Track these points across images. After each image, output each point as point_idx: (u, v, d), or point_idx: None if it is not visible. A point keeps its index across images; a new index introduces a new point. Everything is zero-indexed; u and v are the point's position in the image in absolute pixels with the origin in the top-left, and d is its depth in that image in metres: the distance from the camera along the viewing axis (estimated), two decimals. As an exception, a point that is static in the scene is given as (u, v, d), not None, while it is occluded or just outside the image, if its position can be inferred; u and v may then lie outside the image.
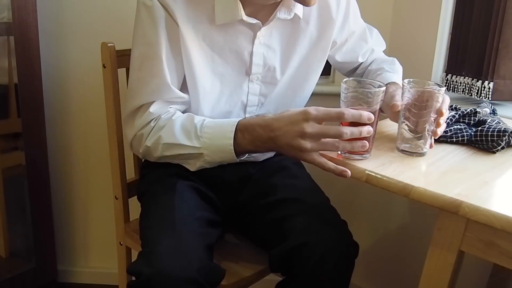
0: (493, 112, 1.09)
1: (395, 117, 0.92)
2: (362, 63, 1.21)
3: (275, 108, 1.09)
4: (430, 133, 0.86)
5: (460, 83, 1.29)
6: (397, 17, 1.40)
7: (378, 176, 0.78)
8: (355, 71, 1.23)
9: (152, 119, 0.96)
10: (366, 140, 0.82)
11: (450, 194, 0.71)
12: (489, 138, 0.90)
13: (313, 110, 0.82)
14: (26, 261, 1.50)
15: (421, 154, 0.87)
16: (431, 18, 1.31)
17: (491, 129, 0.90)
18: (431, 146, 0.88)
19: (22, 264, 1.49)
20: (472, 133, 0.92)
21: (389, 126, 1.02)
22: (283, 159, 1.16)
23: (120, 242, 1.20)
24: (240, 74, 1.02)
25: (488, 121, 0.96)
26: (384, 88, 0.83)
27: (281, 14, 0.97)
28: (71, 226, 1.64)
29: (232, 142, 0.89)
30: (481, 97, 1.24)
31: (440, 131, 0.88)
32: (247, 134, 0.89)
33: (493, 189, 0.76)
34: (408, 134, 0.86)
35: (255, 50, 1.00)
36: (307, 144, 0.82)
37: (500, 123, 0.96)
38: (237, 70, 1.01)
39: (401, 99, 0.87)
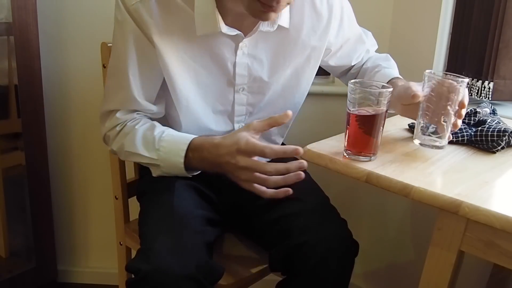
0: (493, 112, 1.09)
1: (408, 111, 0.92)
2: (355, 64, 1.21)
3: (266, 116, 1.07)
4: (449, 126, 0.86)
5: (460, 83, 1.29)
6: (397, 17, 1.40)
7: (378, 176, 0.78)
8: (349, 71, 1.23)
9: (118, 124, 1.00)
10: (303, 169, 0.87)
11: (450, 194, 0.71)
12: (489, 138, 0.90)
13: (243, 144, 0.87)
14: (26, 261, 1.50)
15: (440, 147, 0.87)
16: (431, 18, 1.31)
17: (491, 129, 0.90)
18: (448, 138, 0.88)
19: (22, 264, 1.49)
20: (472, 133, 0.92)
21: (389, 126, 1.02)
22: (282, 159, 1.15)
23: (120, 242, 1.20)
24: (224, 84, 1.02)
25: (488, 121, 0.96)
26: (391, 89, 0.82)
27: (264, 26, 0.96)
28: (71, 226, 1.64)
29: (182, 160, 0.93)
30: (481, 97, 1.25)
31: (460, 123, 0.88)
32: (197, 154, 0.93)
33: (493, 189, 0.76)
34: (427, 127, 0.86)
35: (238, 61, 0.99)
36: (242, 175, 0.89)
37: (500, 123, 0.96)
38: (221, 80, 1.01)
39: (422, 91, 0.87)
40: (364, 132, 0.82)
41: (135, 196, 1.17)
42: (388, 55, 1.22)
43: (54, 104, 1.50)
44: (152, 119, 1.04)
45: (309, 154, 0.86)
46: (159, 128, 0.98)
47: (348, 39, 1.14)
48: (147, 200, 1.04)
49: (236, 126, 1.08)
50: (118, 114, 1.00)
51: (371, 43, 1.22)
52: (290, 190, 0.90)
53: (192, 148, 0.93)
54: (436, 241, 0.76)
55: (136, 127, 0.98)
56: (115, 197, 1.19)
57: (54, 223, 1.53)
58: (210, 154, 0.91)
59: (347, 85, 0.90)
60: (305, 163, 0.87)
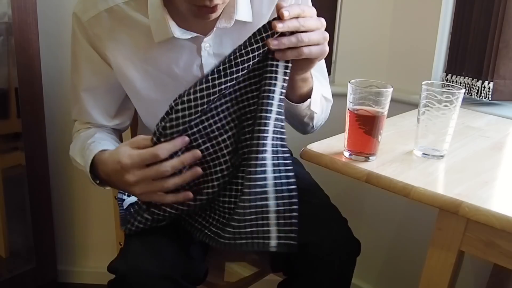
0: None
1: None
2: None
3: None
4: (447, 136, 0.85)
5: (460, 83, 1.29)
6: (397, 17, 1.40)
7: (378, 176, 0.78)
8: None
9: (75, 132, 1.02)
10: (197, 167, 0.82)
11: (450, 194, 0.71)
12: None
13: (126, 159, 0.79)
14: (26, 261, 1.49)
15: (441, 157, 0.86)
16: (431, 18, 1.31)
17: None
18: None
19: (22, 264, 1.49)
20: None
21: (389, 126, 1.02)
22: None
23: (120, 242, 1.20)
24: None
25: None
26: (391, 89, 0.82)
27: (221, 23, 0.91)
28: (71, 226, 1.64)
29: (89, 175, 0.90)
30: (481, 97, 1.25)
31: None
32: (103, 168, 0.87)
33: (493, 189, 0.76)
34: (425, 137, 0.86)
35: (205, 62, 0.95)
36: (137, 190, 0.81)
37: None
38: (190, 85, 0.98)
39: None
40: (365, 132, 0.82)
41: (135, 196, 1.17)
42: None
43: (54, 104, 1.50)
44: (117, 130, 1.04)
45: (309, 154, 0.86)
46: (95, 136, 0.96)
47: None
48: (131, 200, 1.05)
49: None
50: (76, 123, 1.02)
51: None
52: (190, 194, 0.83)
53: (99, 162, 0.88)
54: (436, 241, 0.76)
55: (81, 134, 0.99)
56: (115, 197, 1.19)
57: (54, 223, 1.53)
58: (102, 172, 0.87)
59: None
60: (198, 152, 0.81)
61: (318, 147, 0.88)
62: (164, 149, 0.78)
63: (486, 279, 1.26)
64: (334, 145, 0.89)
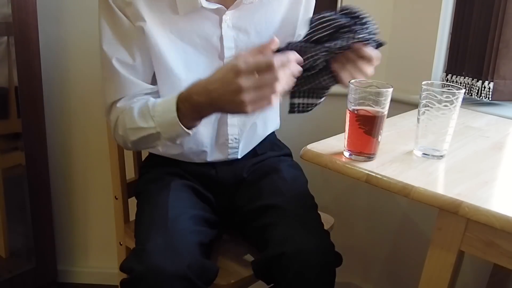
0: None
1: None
2: None
3: None
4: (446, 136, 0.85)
5: (460, 83, 1.29)
6: (397, 17, 1.40)
7: (378, 176, 0.78)
8: None
9: (118, 112, 0.98)
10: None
11: (450, 194, 0.71)
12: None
13: (242, 64, 0.79)
14: (26, 261, 1.50)
15: (441, 157, 0.86)
16: (431, 18, 1.31)
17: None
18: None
19: (22, 264, 1.49)
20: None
21: (389, 126, 1.02)
22: (278, 160, 1.15)
23: (120, 242, 1.20)
24: (213, 59, 1.02)
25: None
26: (391, 89, 0.82)
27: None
28: (71, 226, 1.64)
29: (175, 114, 0.88)
30: (481, 97, 1.25)
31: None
32: (187, 104, 0.87)
33: (493, 189, 0.76)
34: (425, 137, 0.85)
35: (224, 34, 1.00)
36: (246, 97, 0.79)
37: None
38: (210, 56, 1.01)
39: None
40: (365, 132, 0.82)
41: (135, 196, 1.17)
42: None
43: (54, 104, 1.50)
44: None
45: (309, 154, 0.86)
46: (153, 99, 0.97)
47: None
48: (143, 199, 1.04)
49: None
50: (118, 104, 0.98)
51: None
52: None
53: (181, 100, 0.88)
54: (436, 241, 0.76)
55: (132, 105, 0.97)
56: (115, 197, 1.19)
57: (54, 223, 1.53)
58: (201, 97, 0.85)
59: None
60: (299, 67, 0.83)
61: (318, 147, 0.88)
62: (279, 60, 0.78)
63: (486, 279, 1.26)
64: (334, 145, 0.89)
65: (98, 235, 1.65)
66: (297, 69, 0.82)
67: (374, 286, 1.60)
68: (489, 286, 1.26)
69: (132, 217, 1.21)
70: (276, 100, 0.81)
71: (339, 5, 1.42)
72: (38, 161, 1.43)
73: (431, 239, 0.76)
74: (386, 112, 0.83)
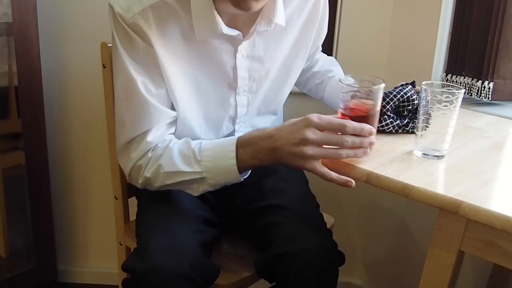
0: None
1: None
2: (303, 68, 1.20)
3: (257, 110, 1.08)
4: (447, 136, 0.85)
5: (460, 83, 1.29)
6: (397, 17, 1.40)
7: (378, 176, 0.78)
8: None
9: (149, 149, 0.93)
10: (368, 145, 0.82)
11: (450, 194, 0.71)
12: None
13: (315, 117, 0.81)
14: (26, 261, 1.50)
15: (441, 157, 0.86)
16: (431, 18, 1.31)
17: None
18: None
19: (22, 264, 1.49)
20: (400, 123, 0.96)
21: (389, 126, 1.02)
22: None
23: (120, 242, 1.20)
24: (225, 89, 0.99)
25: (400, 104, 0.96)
26: (384, 84, 0.82)
27: (261, 27, 0.94)
28: (71, 226, 1.64)
29: (235, 161, 0.87)
30: (481, 97, 1.25)
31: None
32: (249, 148, 0.86)
33: (493, 189, 0.76)
34: (425, 137, 0.85)
35: (239, 64, 0.97)
36: (309, 150, 0.80)
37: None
38: (222, 85, 0.99)
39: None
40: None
41: (135, 196, 1.17)
42: (334, 59, 1.24)
43: (54, 104, 1.50)
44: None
45: (309, 154, 0.86)
46: (194, 141, 0.92)
47: (320, 35, 1.14)
48: (144, 199, 1.04)
49: (237, 127, 1.07)
50: (149, 138, 0.92)
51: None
52: (353, 183, 0.81)
53: (241, 145, 0.87)
54: (436, 241, 0.76)
55: (170, 145, 0.92)
56: (115, 197, 1.19)
57: (54, 223, 1.53)
58: (264, 142, 0.84)
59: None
60: (373, 139, 0.83)
61: (318, 147, 0.88)
62: (352, 125, 0.79)
63: (486, 279, 1.26)
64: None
65: (98, 235, 1.65)
66: (369, 141, 0.82)
67: (374, 286, 1.60)
68: (489, 286, 1.26)
69: (132, 217, 1.21)
70: (334, 177, 0.81)
71: (339, 5, 1.42)
72: (38, 161, 1.43)
73: (431, 239, 0.76)
74: (378, 108, 0.83)
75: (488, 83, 1.23)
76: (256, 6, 0.84)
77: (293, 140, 0.81)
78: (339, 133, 0.81)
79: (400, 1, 1.39)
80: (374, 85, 0.83)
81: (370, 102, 0.82)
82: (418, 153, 0.87)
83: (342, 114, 0.85)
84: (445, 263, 0.75)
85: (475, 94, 1.26)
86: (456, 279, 0.78)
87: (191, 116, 0.98)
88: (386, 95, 0.94)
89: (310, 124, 0.80)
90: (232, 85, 1.00)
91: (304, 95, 1.29)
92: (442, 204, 0.71)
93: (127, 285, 0.85)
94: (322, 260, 0.89)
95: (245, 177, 0.91)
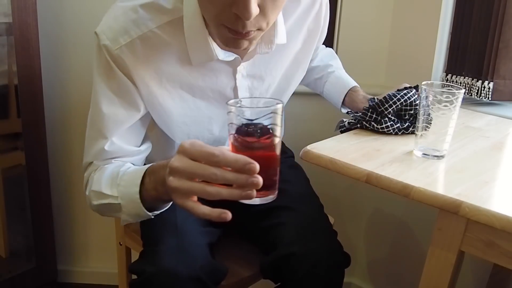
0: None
1: None
2: None
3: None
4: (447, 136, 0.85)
5: (460, 83, 1.29)
6: (397, 17, 1.40)
7: (378, 176, 0.78)
8: None
9: (92, 170, 0.90)
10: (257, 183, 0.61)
11: (450, 194, 0.71)
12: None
13: (187, 143, 0.65)
14: (26, 261, 1.50)
15: (441, 157, 0.86)
16: (431, 18, 1.31)
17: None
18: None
19: (22, 264, 1.49)
20: (400, 127, 0.96)
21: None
22: (281, 162, 1.15)
23: (120, 242, 1.20)
24: (227, 110, 0.97)
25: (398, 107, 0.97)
26: (276, 107, 0.63)
27: (262, 49, 0.88)
28: (71, 226, 1.64)
29: (138, 189, 0.76)
30: (481, 97, 1.24)
31: None
32: (153, 177, 0.76)
33: (493, 189, 0.75)
34: (425, 137, 0.85)
35: (239, 85, 0.94)
36: (173, 182, 0.65)
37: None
38: (223, 107, 0.93)
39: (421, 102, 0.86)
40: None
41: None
42: (332, 50, 1.21)
43: (54, 104, 1.50)
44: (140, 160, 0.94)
45: (309, 155, 0.86)
46: (130, 165, 0.87)
47: (320, 41, 1.12)
48: None
49: None
50: (96, 161, 0.89)
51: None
52: (228, 214, 0.66)
53: (149, 172, 0.77)
54: (436, 241, 0.76)
55: (107, 166, 0.87)
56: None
57: (54, 223, 1.53)
58: (163, 171, 0.70)
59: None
60: (259, 180, 0.62)
61: (318, 147, 0.88)
62: (223, 155, 0.62)
63: (486, 279, 1.26)
64: (334, 146, 0.89)
65: (98, 235, 1.65)
66: (249, 180, 0.61)
67: (374, 286, 1.60)
68: (489, 286, 1.26)
69: (132, 217, 1.21)
70: (205, 211, 0.65)
71: (339, 5, 1.42)
72: (38, 161, 1.43)
73: (431, 239, 0.76)
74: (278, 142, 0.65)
75: (488, 83, 1.23)
76: (249, 46, 0.79)
77: (166, 172, 0.67)
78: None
79: (400, 1, 1.39)
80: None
81: (252, 138, 0.63)
82: (418, 153, 0.87)
83: (231, 145, 0.66)
84: (445, 263, 0.75)
85: (475, 94, 1.26)
86: (456, 279, 0.78)
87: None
88: (389, 97, 0.95)
89: (181, 151, 0.65)
90: None
91: (304, 95, 1.29)
92: (442, 204, 0.71)
93: (135, 287, 0.84)
94: (328, 261, 0.90)
95: (156, 213, 0.80)
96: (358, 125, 0.98)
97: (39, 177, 1.44)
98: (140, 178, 0.77)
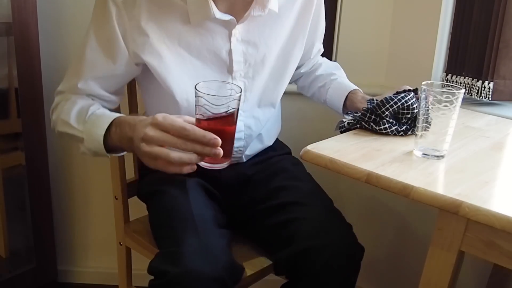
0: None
1: None
2: (305, 70, 1.23)
3: (258, 101, 1.08)
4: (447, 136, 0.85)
5: (460, 83, 1.29)
6: (397, 17, 1.40)
7: (378, 176, 0.78)
8: (300, 78, 1.25)
9: (64, 99, 0.99)
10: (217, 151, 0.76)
11: (450, 194, 0.71)
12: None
13: (160, 116, 0.78)
14: (26, 261, 1.50)
15: (441, 157, 0.85)
16: (431, 18, 1.31)
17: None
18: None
19: (22, 264, 1.49)
20: (399, 129, 0.96)
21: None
22: (282, 159, 1.16)
23: (120, 242, 1.20)
24: (221, 73, 1.02)
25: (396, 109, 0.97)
26: (235, 96, 0.78)
27: (255, 11, 0.97)
28: (71, 226, 1.64)
29: (103, 133, 0.88)
30: (481, 97, 1.25)
31: None
32: (118, 130, 0.87)
33: (493, 189, 0.76)
34: (425, 137, 0.85)
35: (233, 48, 1.00)
36: (145, 147, 0.79)
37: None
38: (218, 70, 1.01)
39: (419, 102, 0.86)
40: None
41: (135, 196, 1.17)
42: (337, 63, 1.25)
43: (54, 104, 1.50)
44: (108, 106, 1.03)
45: (309, 155, 0.86)
46: (98, 106, 0.97)
47: (317, 29, 1.16)
48: (160, 200, 1.02)
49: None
50: (67, 93, 0.99)
51: (322, 40, 1.23)
52: (194, 167, 0.79)
53: (115, 123, 0.88)
54: (436, 241, 0.76)
55: (78, 100, 0.97)
56: (115, 197, 1.19)
57: (54, 223, 1.53)
58: (129, 129, 0.83)
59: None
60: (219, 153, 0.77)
61: (318, 147, 0.88)
62: (193, 130, 0.76)
63: (486, 279, 1.26)
64: (334, 145, 0.89)
65: (98, 235, 1.65)
66: (211, 152, 0.76)
67: (374, 286, 1.60)
68: (489, 286, 1.26)
69: (132, 217, 1.21)
70: (174, 169, 0.78)
71: (339, 6, 1.42)
72: (38, 161, 1.43)
73: (431, 239, 0.76)
74: (233, 113, 0.79)
75: (488, 83, 1.23)
76: None
77: (139, 134, 0.80)
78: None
79: (400, 1, 1.39)
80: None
81: (217, 111, 0.77)
82: (418, 153, 0.87)
83: (197, 120, 0.81)
84: (445, 263, 0.75)
85: (475, 94, 1.26)
86: (456, 279, 0.78)
87: (190, 100, 0.99)
88: (386, 101, 0.95)
89: (154, 122, 0.78)
90: (229, 70, 1.01)
91: (304, 95, 1.29)
92: (442, 204, 0.71)
93: None
94: (346, 253, 0.92)
95: (114, 155, 0.94)
96: (357, 125, 0.98)
97: (39, 177, 1.44)
98: (107, 125, 0.88)
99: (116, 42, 0.94)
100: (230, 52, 1.00)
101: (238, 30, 0.98)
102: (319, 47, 1.23)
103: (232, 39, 0.99)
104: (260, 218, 1.03)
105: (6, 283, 1.44)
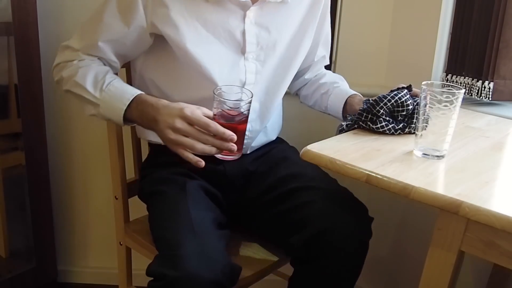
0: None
1: None
2: (309, 77, 1.25)
3: (267, 86, 1.10)
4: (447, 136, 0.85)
5: (460, 83, 1.29)
6: (397, 18, 1.40)
7: (378, 176, 0.78)
8: (305, 85, 1.26)
9: (77, 59, 1.03)
10: (233, 141, 0.89)
11: (450, 194, 0.71)
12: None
13: (188, 111, 0.89)
14: (26, 261, 1.50)
15: (441, 157, 0.86)
16: (431, 18, 1.31)
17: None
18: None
19: (22, 264, 1.49)
20: (396, 127, 0.96)
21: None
22: (282, 149, 1.17)
23: (120, 242, 1.20)
24: (235, 53, 1.05)
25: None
26: (248, 100, 0.91)
27: None
28: (71, 226, 1.64)
29: (124, 108, 0.96)
30: (481, 97, 1.25)
31: None
32: (140, 107, 0.95)
33: (493, 189, 0.76)
34: (425, 137, 0.85)
35: (247, 29, 1.04)
36: (172, 135, 0.90)
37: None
38: (232, 49, 1.05)
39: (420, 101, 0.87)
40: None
41: (135, 196, 1.17)
42: (341, 76, 1.27)
43: (54, 104, 1.50)
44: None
45: (309, 155, 0.87)
46: (112, 74, 1.03)
47: (322, 30, 1.19)
48: (159, 202, 1.02)
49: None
50: (80, 53, 1.03)
51: (327, 50, 1.26)
52: (202, 163, 0.90)
53: (137, 101, 0.96)
54: (436, 241, 0.76)
55: (92, 65, 1.02)
56: (115, 197, 1.19)
57: (54, 223, 1.53)
58: (152, 110, 0.93)
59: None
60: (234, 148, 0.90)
61: (318, 147, 0.88)
62: (215, 127, 0.88)
63: (486, 279, 1.26)
64: (334, 145, 0.89)
65: (98, 235, 1.65)
66: (227, 146, 0.89)
67: (374, 286, 1.60)
68: (489, 286, 1.26)
69: (132, 217, 1.21)
70: (190, 157, 0.90)
71: (339, 6, 1.42)
72: (38, 161, 1.43)
73: (431, 239, 0.76)
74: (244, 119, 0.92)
75: (488, 83, 1.23)
76: None
77: (167, 122, 0.90)
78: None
79: (400, 1, 1.39)
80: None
81: (233, 112, 0.91)
82: (418, 153, 0.87)
83: (216, 119, 0.92)
84: (445, 263, 0.75)
85: (475, 94, 1.26)
86: (456, 279, 0.78)
87: (207, 75, 1.03)
88: (379, 99, 0.95)
89: (182, 115, 0.89)
90: (242, 50, 1.05)
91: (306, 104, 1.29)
92: (442, 204, 0.71)
93: None
94: (358, 234, 0.95)
95: (127, 125, 1.02)
96: (356, 126, 0.98)
97: (39, 177, 1.44)
98: (128, 101, 0.96)
99: (136, 10, 0.98)
100: (244, 33, 1.04)
101: (252, 13, 1.03)
102: (324, 54, 1.25)
103: (246, 20, 1.03)
104: (269, 208, 1.04)
105: (6, 283, 1.44)
